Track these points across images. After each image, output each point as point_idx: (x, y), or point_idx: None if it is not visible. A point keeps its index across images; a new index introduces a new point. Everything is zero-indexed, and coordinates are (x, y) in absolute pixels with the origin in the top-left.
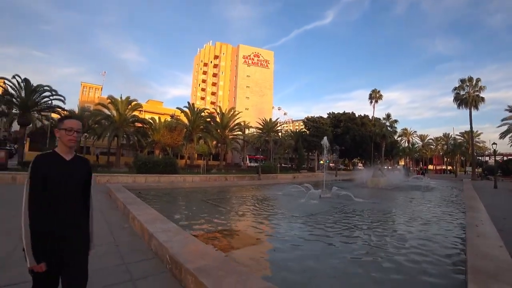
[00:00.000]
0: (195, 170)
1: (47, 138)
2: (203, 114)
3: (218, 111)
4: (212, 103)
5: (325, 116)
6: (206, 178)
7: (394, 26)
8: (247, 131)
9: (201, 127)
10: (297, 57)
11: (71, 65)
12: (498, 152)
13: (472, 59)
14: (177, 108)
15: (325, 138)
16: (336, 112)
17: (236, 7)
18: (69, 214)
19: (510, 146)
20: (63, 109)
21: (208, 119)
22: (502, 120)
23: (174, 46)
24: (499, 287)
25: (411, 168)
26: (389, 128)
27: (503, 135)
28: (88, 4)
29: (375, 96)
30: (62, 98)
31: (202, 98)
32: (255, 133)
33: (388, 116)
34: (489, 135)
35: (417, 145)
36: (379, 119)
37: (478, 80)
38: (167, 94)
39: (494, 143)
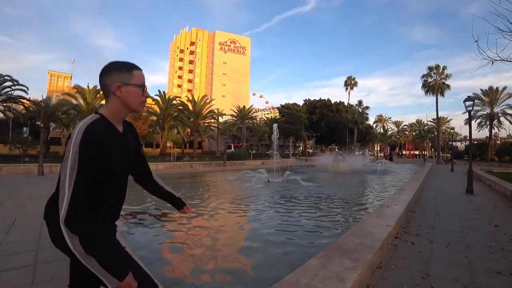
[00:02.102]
0: (166, 159)
1: (9, 130)
2: (175, 102)
3: (191, 98)
4: (189, 90)
5: (301, 103)
6: (170, 165)
7: (375, 13)
8: (222, 119)
9: (174, 115)
10: (279, 43)
11: (41, 51)
12: (468, 137)
13: (447, 48)
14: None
15: (275, 125)
16: (312, 99)
17: None
18: (122, 201)
19: (477, 132)
20: (28, 99)
21: (180, 107)
22: (466, 108)
23: (153, 31)
24: (340, 261)
25: (372, 153)
26: (362, 115)
27: (466, 122)
28: None
29: (350, 83)
30: (25, 88)
31: (179, 86)
32: (230, 120)
33: (360, 102)
34: (461, 121)
35: (392, 131)
36: (353, 105)
37: (444, 68)
38: (147, 82)
39: (452, 129)
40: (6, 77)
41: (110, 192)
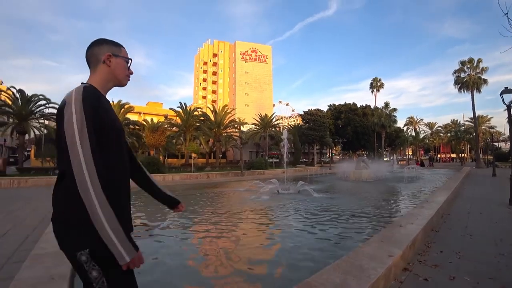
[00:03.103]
0: (188, 169)
1: (41, 145)
2: (196, 113)
3: (212, 109)
4: (213, 101)
5: (326, 108)
6: (187, 176)
7: (400, 11)
8: (244, 128)
9: (195, 126)
10: (303, 50)
11: (80, 72)
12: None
13: (483, 41)
14: (170, 108)
15: (285, 131)
16: (337, 104)
17: (238, 4)
18: (129, 175)
19: None
20: None
21: (202, 118)
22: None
23: (179, 46)
24: None
25: (402, 158)
26: (389, 117)
27: (508, 120)
28: (93, 12)
29: (376, 85)
30: (56, 106)
31: (204, 97)
32: (253, 129)
33: (387, 104)
34: (504, 119)
35: (425, 133)
36: (379, 108)
37: (479, 60)
38: (176, 95)
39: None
40: (40, 96)
41: (118, 160)
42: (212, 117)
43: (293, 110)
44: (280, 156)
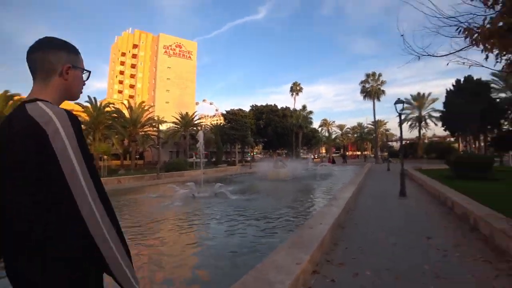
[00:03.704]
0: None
1: None
2: (108, 109)
3: (128, 105)
4: (131, 96)
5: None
6: None
7: (322, 25)
8: (163, 127)
9: (107, 123)
10: (230, 51)
11: None
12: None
13: (383, 59)
14: (76, 103)
15: (201, 132)
16: (259, 105)
17: None
18: None
19: (409, 133)
20: None
21: (115, 115)
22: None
23: (94, 31)
24: None
25: (317, 156)
26: (306, 119)
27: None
28: None
29: (295, 89)
30: None
31: (120, 92)
32: (174, 128)
33: (304, 107)
34: (396, 124)
35: (336, 134)
36: (297, 110)
37: (380, 75)
38: (89, 88)
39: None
40: None
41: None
42: (127, 114)
43: (216, 110)
44: (200, 156)
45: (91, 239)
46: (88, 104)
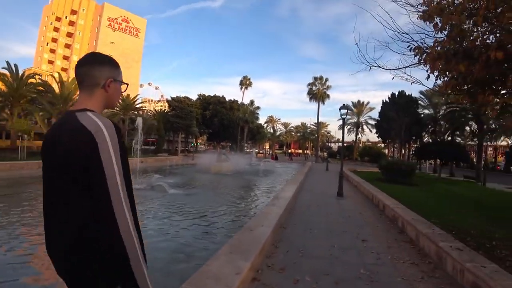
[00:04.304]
0: (14, 155)
1: None
2: (32, 80)
3: (58, 79)
4: (64, 69)
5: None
6: (6, 166)
7: (276, 23)
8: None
9: (32, 96)
10: (181, 35)
11: None
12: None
13: (330, 65)
14: None
15: (139, 119)
16: (206, 95)
17: None
18: None
19: (347, 136)
20: None
21: (40, 88)
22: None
23: None
24: None
25: (261, 151)
26: (253, 114)
27: (340, 127)
28: None
29: (245, 83)
30: None
31: (51, 62)
32: (113, 110)
33: (252, 102)
34: (336, 126)
35: (280, 131)
36: (245, 104)
37: (326, 79)
38: (10, 52)
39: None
40: None
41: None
42: (57, 89)
43: (162, 95)
44: (138, 143)
45: (120, 240)
46: (5, 72)
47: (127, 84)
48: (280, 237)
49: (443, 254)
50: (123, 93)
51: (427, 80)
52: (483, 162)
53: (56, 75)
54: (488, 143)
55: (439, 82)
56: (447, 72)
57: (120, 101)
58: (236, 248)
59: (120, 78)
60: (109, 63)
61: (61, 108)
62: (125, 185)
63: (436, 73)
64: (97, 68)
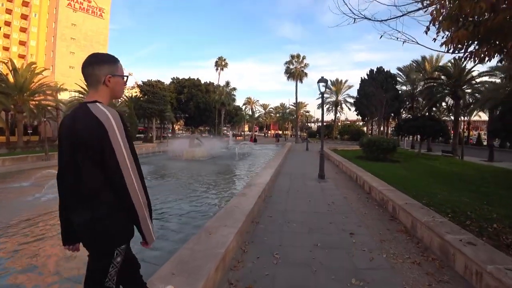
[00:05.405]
0: None
1: None
2: None
3: (11, 67)
4: (21, 56)
5: (169, 81)
6: None
7: (253, 4)
8: (66, 95)
9: None
10: (155, 17)
11: None
12: (320, 120)
13: (307, 45)
14: None
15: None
16: (181, 78)
17: None
18: None
19: (326, 115)
20: None
21: None
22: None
23: None
24: None
25: (239, 134)
26: (229, 95)
27: (319, 106)
28: None
29: (220, 64)
30: None
31: (6, 49)
32: (79, 98)
33: (228, 83)
34: (315, 106)
35: (259, 113)
36: (221, 86)
37: (304, 57)
38: None
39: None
40: None
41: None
42: (11, 78)
43: (136, 82)
44: None
45: (130, 200)
46: None
47: (127, 77)
48: (250, 236)
49: (451, 250)
50: (125, 84)
51: (426, 34)
52: (458, 137)
53: (12, 63)
54: (462, 118)
55: (442, 34)
56: (458, 18)
57: (84, 86)
58: (183, 266)
59: (118, 72)
60: (107, 61)
61: (18, 98)
62: (132, 159)
63: (440, 20)
64: (96, 68)
